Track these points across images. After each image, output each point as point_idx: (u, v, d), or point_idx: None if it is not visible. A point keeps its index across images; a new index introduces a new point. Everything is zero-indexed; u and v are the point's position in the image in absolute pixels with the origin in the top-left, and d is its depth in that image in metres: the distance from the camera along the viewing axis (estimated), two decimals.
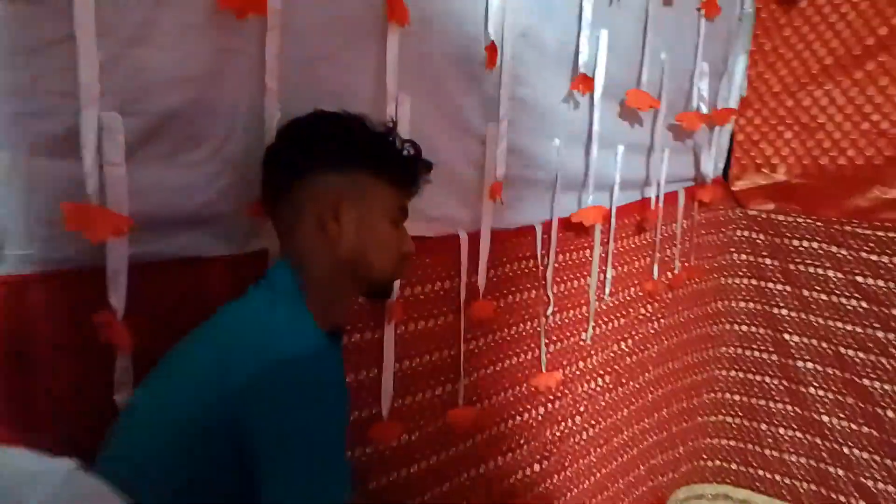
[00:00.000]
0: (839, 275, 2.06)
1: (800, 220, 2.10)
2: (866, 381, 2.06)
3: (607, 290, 1.80)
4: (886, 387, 2.03)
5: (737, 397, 2.30)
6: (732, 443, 2.33)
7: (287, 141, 0.91)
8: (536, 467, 1.67)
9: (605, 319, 1.83)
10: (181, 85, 0.88)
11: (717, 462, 2.35)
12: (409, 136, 1.20)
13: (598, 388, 1.84)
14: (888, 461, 2.05)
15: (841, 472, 2.14)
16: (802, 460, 2.21)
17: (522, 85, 1.38)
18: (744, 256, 2.22)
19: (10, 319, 0.82)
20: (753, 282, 2.22)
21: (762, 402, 2.25)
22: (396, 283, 1.12)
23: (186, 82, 0.89)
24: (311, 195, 0.89)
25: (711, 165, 2.04)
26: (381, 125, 0.94)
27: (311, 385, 0.73)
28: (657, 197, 1.88)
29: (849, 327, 2.07)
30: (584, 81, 1.45)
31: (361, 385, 1.27)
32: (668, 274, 2.02)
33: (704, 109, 1.88)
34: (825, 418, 2.14)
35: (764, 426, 2.26)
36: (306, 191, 0.89)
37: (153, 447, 0.75)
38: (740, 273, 2.23)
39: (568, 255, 1.69)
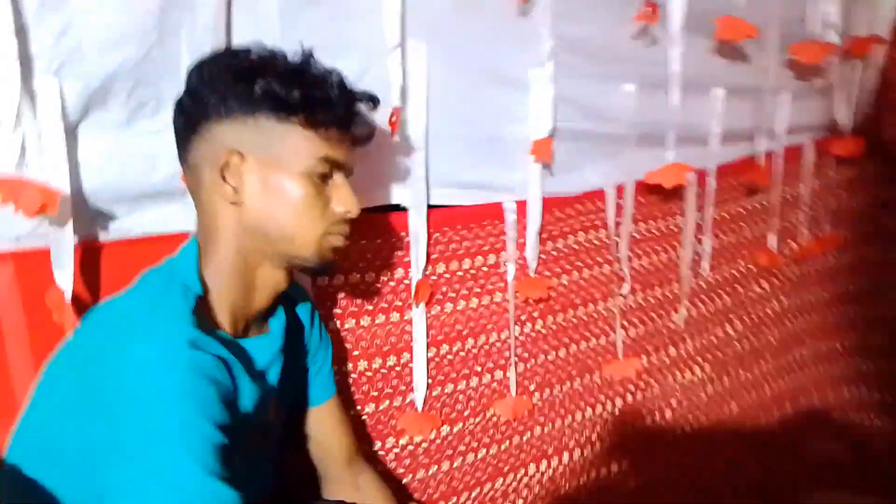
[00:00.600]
0: None
1: None
2: None
3: (705, 265, 1.52)
4: None
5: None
6: None
7: (183, 91, 0.76)
8: (614, 467, 1.46)
9: (704, 299, 1.55)
10: (120, 44, 0.79)
11: None
12: (428, 94, 1.05)
13: (696, 380, 1.57)
14: None
15: None
16: None
17: (571, 21, 1.15)
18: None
19: None
20: None
21: None
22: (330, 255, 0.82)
23: (126, 41, 0.79)
24: (207, 151, 0.74)
25: (849, 111, 1.65)
26: (295, 56, 0.76)
27: (141, 399, 0.59)
28: (772, 152, 1.55)
29: None
30: (650, 10, 1.19)
31: (391, 372, 1.15)
32: (792, 245, 1.68)
33: (835, 39, 1.51)
34: None
35: None
36: (202, 146, 0.74)
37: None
38: (891, 245, 1.81)
39: (652, 223, 1.44)
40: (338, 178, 0.78)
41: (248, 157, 0.73)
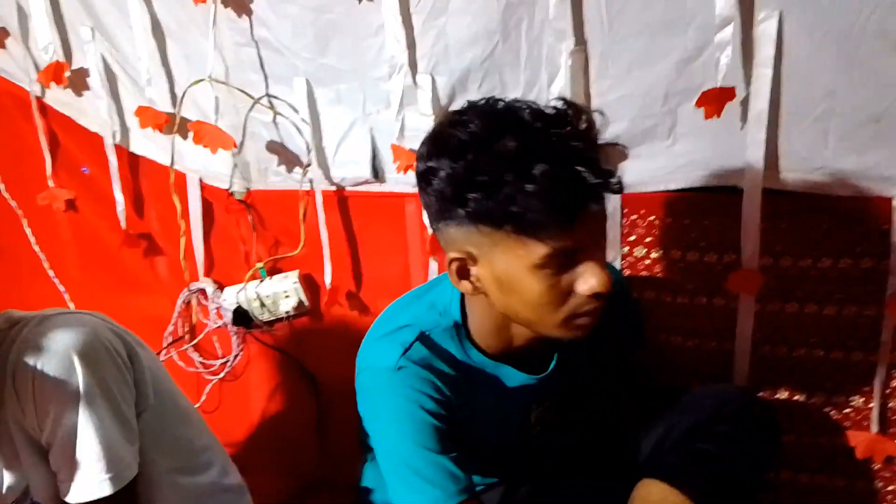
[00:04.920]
0: None
1: None
2: None
3: None
4: None
5: None
6: None
7: (418, 171, 0.78)
8: None
9: None
10: (472, 45, 1.04)
11: None
12: (778, 68, 0.96)
13: None
14: None
15: None
16: None
17: None
18: None
19: None
20: None
21: None
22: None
23: (476, 42, 1.04)
24: (445, 241, 0.78)
25: None
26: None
27: (374, 398, 0.82)
28: None
29: None
30: None
31: (709, 357, 1.13)
32: None
33: None
34: None
35: None
36: (442, 233, 0.78)
37: None
38: None
39: None
40: (583, 255, 0.74)
41: (480, 259, 0.76)
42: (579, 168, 0.70)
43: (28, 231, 1.50)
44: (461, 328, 0.86)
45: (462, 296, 0.86)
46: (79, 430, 0.82)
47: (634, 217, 1.11)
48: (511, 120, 0.72)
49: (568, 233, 0.71)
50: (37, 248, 1.52)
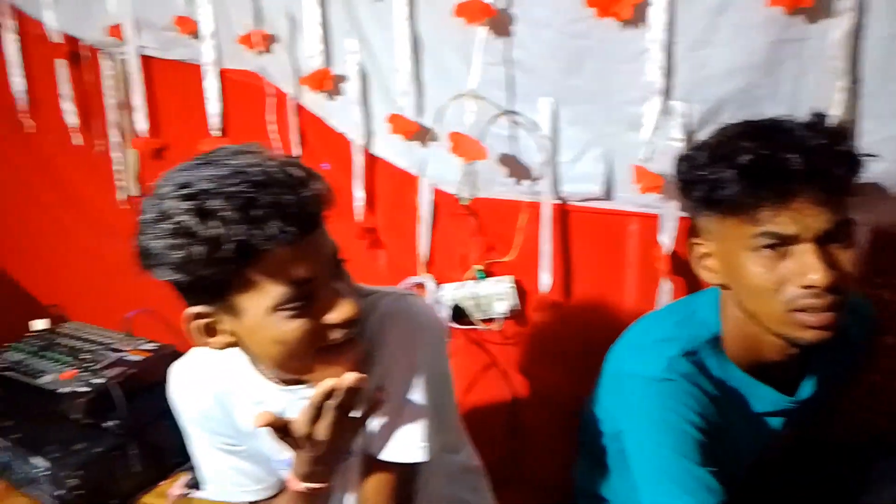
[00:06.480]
0: None
1: None
2: None
3: None
4: None
5: None
6: None
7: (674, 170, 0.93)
8: None
9: None
10: (733, 76, 1.06)
11: None
12: None
13: None
14: None
15: None
16: None
17: None
18: None
19: None
20: None
21: None
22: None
23: (737, 73, 1.06)
24: (693, 229, 0.91)
25: None
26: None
27: (636, 405, 0.85)
28: None
29: None
30: None
31: None
32: None
33: None
34: None
35: None
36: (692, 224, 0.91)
37: None
38: None
39: None
40: (800, 246, 0.78)
41: (712, 246, 0.87)
42: (788, 155, 0.76)
43: None
44: (719, 341, 0.88)
45: (720, 309, 0.89)
46: (413, 397, 0.88)
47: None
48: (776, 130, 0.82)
49: (779, 215, 0.77)
50: None
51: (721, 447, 0.88)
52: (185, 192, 0.71)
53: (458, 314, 1.45)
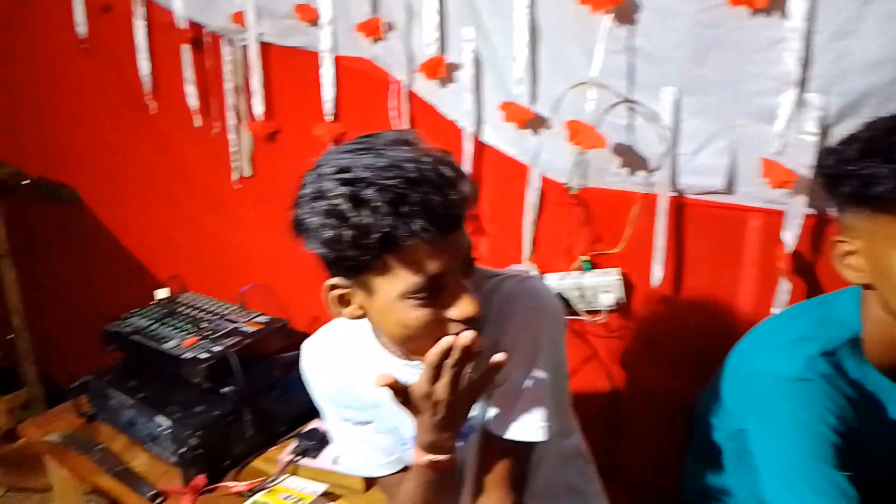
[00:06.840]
0: None
1: None
2: None
3: None
4: None
5: None
6: None
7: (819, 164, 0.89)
8: None
9: None
10: (878, 68, 1.01)
11: None
12: None
13: None
14: None
15: None
16: None
17: None
18: None
19: None
20: None
21: None
22: None
23: (883, 65, 1.00)
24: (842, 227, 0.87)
25: None
26: None
27: (770, 405, 0.83)
28: None
29: None
30: None
31: None
32: None
33: None
34: None
35: None
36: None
37: None
38: None
39: None
40: None
41: (858, 244, 0.84)
42: None
43: None
44: (858, 342, 0.86)
45: (861, 309, 0.87)
46: (535, 376, 0.90)
47: None
48: None
49: None
50: None
51: (856, 453, 0.85)
52: (343, 176, 0.76)
53: (564, 304, 1.44)
